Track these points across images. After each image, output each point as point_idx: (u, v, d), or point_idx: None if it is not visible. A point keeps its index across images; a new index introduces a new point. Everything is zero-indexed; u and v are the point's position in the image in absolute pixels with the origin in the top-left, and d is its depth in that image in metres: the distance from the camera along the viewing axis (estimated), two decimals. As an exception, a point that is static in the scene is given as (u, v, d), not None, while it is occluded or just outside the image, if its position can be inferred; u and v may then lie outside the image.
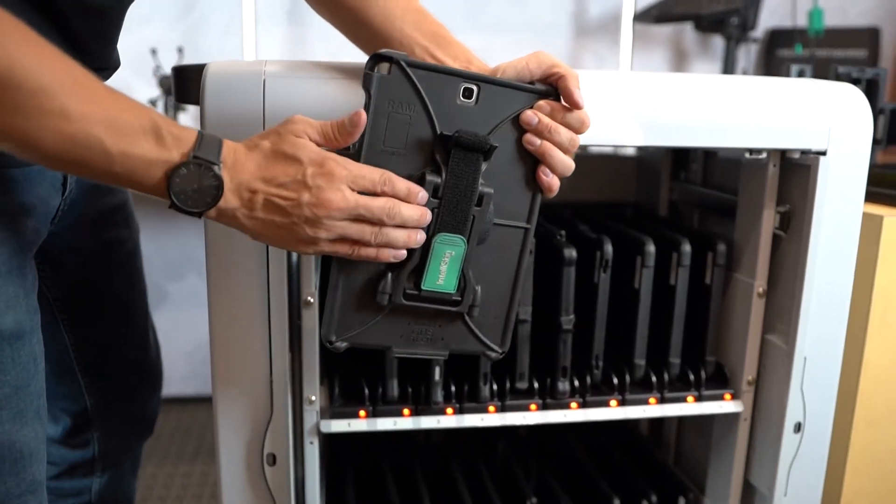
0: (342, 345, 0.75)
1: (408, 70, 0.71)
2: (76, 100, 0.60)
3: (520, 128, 0.74)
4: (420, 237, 0.72)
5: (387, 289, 0.74)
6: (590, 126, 0.75)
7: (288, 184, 0.66)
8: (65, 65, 0.61)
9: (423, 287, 0.74)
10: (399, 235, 0.70)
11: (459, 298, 0.76)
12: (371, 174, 0.69)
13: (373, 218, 0.68)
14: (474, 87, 0.73)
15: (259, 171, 0.67)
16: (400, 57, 0.71)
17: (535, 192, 0.76)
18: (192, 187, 0.64)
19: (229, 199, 0.66)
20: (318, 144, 0.68)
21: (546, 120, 0.73)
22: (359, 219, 0.68)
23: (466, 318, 0.77)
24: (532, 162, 0.75)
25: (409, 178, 0.71)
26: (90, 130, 0.60)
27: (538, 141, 0.73)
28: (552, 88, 0.74)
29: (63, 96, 0.59)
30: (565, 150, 0.74)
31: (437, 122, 0.72)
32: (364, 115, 0.69)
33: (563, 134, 0.73)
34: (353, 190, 0.67)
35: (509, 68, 0.75)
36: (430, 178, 0.72)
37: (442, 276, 0.75)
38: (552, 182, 0.75)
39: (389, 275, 0.74)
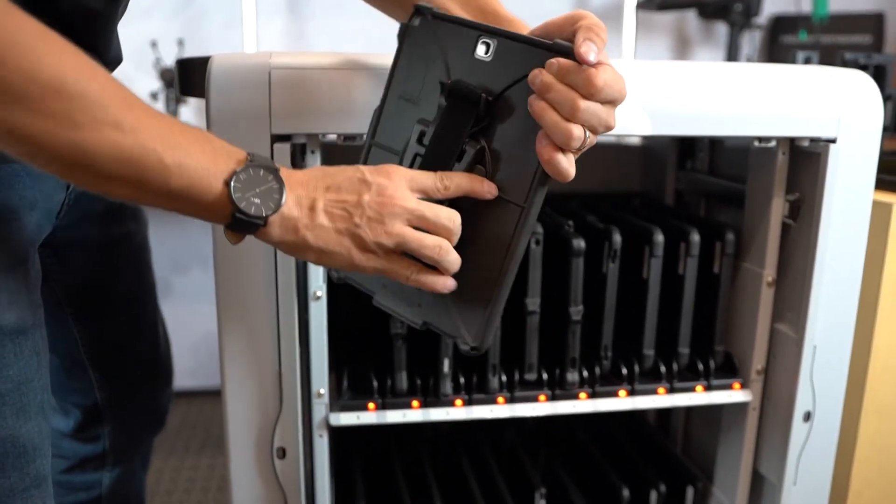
0: (334, 275, 0.75)
1: (430, 21, 0.70)
2: (129, 112, 0.57)
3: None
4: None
5: None
6: (602, 88, 0.61)
7: (348, 187, 0.64)
8: (111, 80, 0.58)
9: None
10: (455, 258, 0.67)
11: None
12: (427, 173, 0.66)
13: (436, 225, 0.65)
14: (490, 42, 0.68)
15: (318, 180, 0.64)
16: (426, 9, 0.70)
17: (538, 168, 0.65)
18: (254, 191, 0.61)
19: (291, 207, 0.63)
20: None
21: (547, 78, 0.62)
22: (421, 225, 0.65)
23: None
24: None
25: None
26: (145, 142, 0.57)
27: (535, 101, 0.63)
28: (570, 45, 0.64)
29: (116, 108, 0.56)
30: (567, 115, 0.62)
31: (450, 73, 0.69)
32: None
33: (562, 94, 0.62)
34: (412, 193, 0.65)
35: (542, 28, 0.70)
36: (419, 123, 0.70)
37: None
38: (548, 155, 0.63)
39: None
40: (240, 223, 0.61)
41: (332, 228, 0.63)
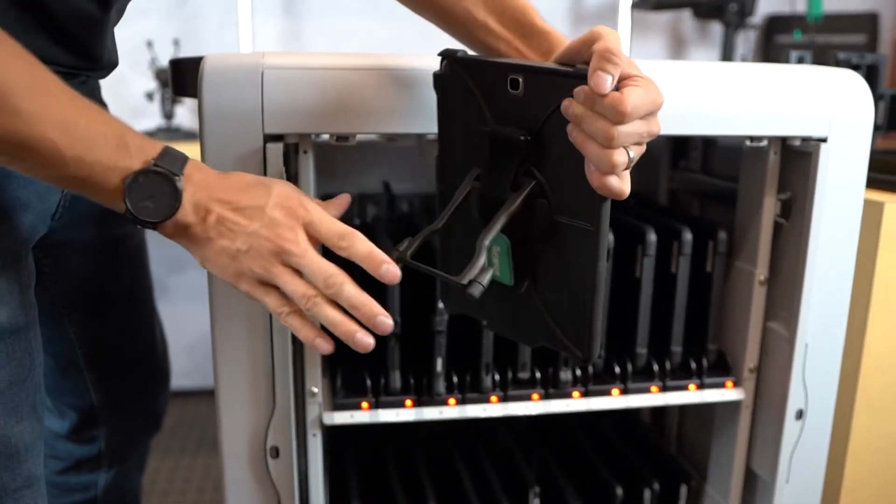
0: (449, 309, 0.80)
1: (456, 66, 0.71)
2: (31, 101, 0.59)
3: None
4: (360, 337, 0.66)
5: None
6: (631, 112, 0.59)
7: (246, 209, 0.65)
8: (28, 66, 0.60)
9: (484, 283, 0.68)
10: (332, 316, 0.66)
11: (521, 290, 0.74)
12: (333, 224, 0.66)
13: (313, 278, 0.65)
14: (519, 78, 0.67)
15: (224, 193, 0.65)
16: (450, 54, 0.71)
17: (593, 191, 0.64)
18: (149, 195, 0.62)
19: (187, 214, 0.64)
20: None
21: (578, 109, 0.61)
22: (301, 270, 0.65)
23: (541, 307, 0.73)
24: None
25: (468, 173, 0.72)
26: (43, 132, 0.59)
27: (575, 132, 0.62)
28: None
29: (17, 96, 0.58)
30: (602, 143, 0.60)
31: (489, 115, 0.70)
32: (347, 197, 0.72)
33: (594, 125, 0.60)
34: (307, 238, 0.65)
35: (565, 50, 0.68)
36: (475, 168, 0.72)
37: (496, 268, 0.73)
38: (599, 181, 0.61)
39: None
40: (135, 220, 0.64)
41: (217, 245, 0.65)
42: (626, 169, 0.62)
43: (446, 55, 0.72)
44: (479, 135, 0.71)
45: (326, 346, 0.68)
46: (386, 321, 0.66)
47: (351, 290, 0.66)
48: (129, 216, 0.63)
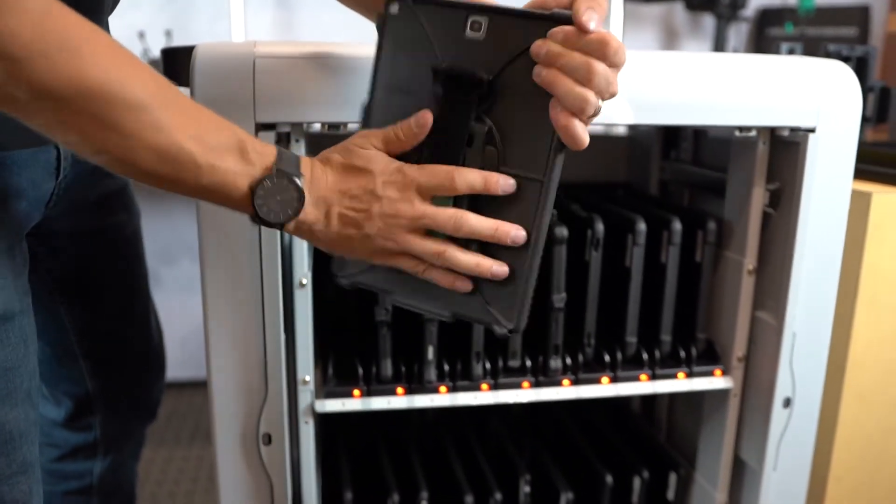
0: (343, 281, 0.74)
1: (411, 6, 0.68)
2: (169, 112, 0.60)
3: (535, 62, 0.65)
4: (496, 269, 0.67)
5: None
6: (616, 50, 0.61)
7: (361, 196, 0.67)
8: (154, 77, 0.61)
9: None
10: (466, 260, 0.67)
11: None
12: (434, 175, 0.67)
13: (441, 229, 0.67)
14: (482, 20, 0.66)
15: (335, 184, 0.67)
16: None
17: (553, 140, 0.65)
18: (276, 199, 0.65)
19: (308, 212, 0.66)
20: (385, 151, 0.68)
21: (554, 47, 0.62)
22: (426, 230, 0.67)
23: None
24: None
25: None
26: (182, 144, 0.60)
27: (545, 71, 0.63)
28: (570, 13, 0.62)
29: (157, 109, 0.59)
30: (582, 80, 0.61)
31: (441, 58, 0.68)
32: (430, 115, 0.67)
33: (576, 58, 0.61)
34: (422, 200, 0.67)
35: (533, 2, 0.68)
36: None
37: None
38: (561, 118, 0.62)
39: None
40: (261, 222, 0.66)
41: (346, 235, 0.68)
42: (589, 120, 0.64)
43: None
44: (424, 77, 0.68)
45: (467, 286, 0.69)
46: (519, 233, 0.67)
47: (475, 220, 0.67)
48: (255, 220, 0.66)
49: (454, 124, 0.67)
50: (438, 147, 0.68)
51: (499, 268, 0.68)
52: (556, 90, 0.62)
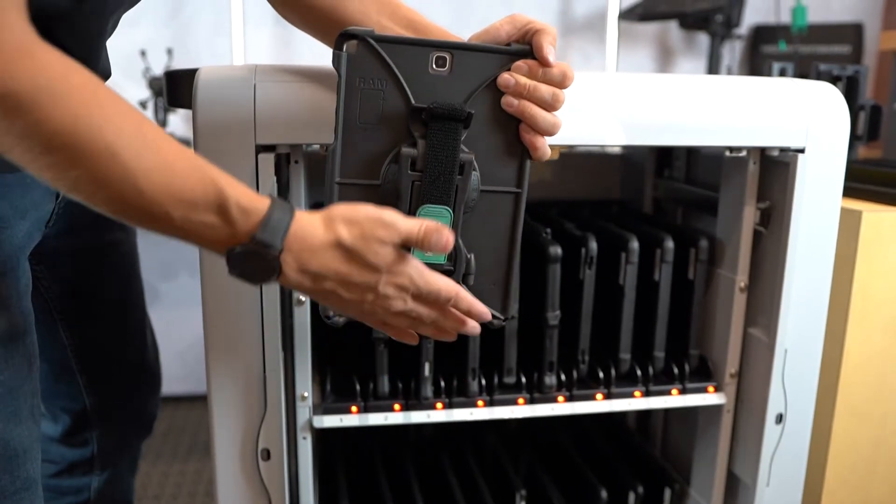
0: (340, 319, 0.77)
1: (375, 45, 0.71)
2: (144, 161, 0.59)
3: (499, 91, 0.73)
4: (471, 327, 0.74)
5: None
6: (573, 79, 0.73)
7: (359, 284, 0.67)
8: (133, 119, 0.60)
9: (470, 282, 0.76)
10: (457, 317, 0.73)
11: (452, 268, 0.74)
12: (438, 285, 0.69)
13: (434, 307, 0.71)
14: (446, 55, 0.72)
15: (335, 267, 0.66)
16: (365, 33, 0.71)
17: (523, 156, 0.75)
18: (250, 266, 0.64)
19: (290, 278, 0.65)
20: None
21: (523, 80, 0.72)
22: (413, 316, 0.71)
23: (463, 286, 0.75)
24: (515, 124, 0.74)
25: (386, 153, 0.73)
26: (154, 196, 0.59)
27: (516, 101, 0.72)
28: (529, 47, 0.72)
29: (130, 158, 0.58)
30: (549, 107, 0.72)
31: (410, 95, 0.72)
32: (452, 236, 0.68)
33: (544, 90, 0.71)
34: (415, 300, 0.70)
35: (483, 34, 0.75)
36: (405, 151, 0.72)
37: None
38: (535, 140, 0.73)
39: None
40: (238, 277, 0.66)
41: (333, 297, 0.68)
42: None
43: (355, 34, 0.71)
44: (395, 113, 0.72)
45: (472, 325, 0.74)
46: (487, 316, 0.74)
47: (465, 297, 0.72)
48: (234, 276, 0.65)
49: (445, 157, 0.72)
50: (434, 181, 0.72)
51: (474, 328, 0.74)
52: (530, 120, 0.72)
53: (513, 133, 0.74)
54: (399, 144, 0.73)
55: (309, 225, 0.65)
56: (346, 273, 0.66)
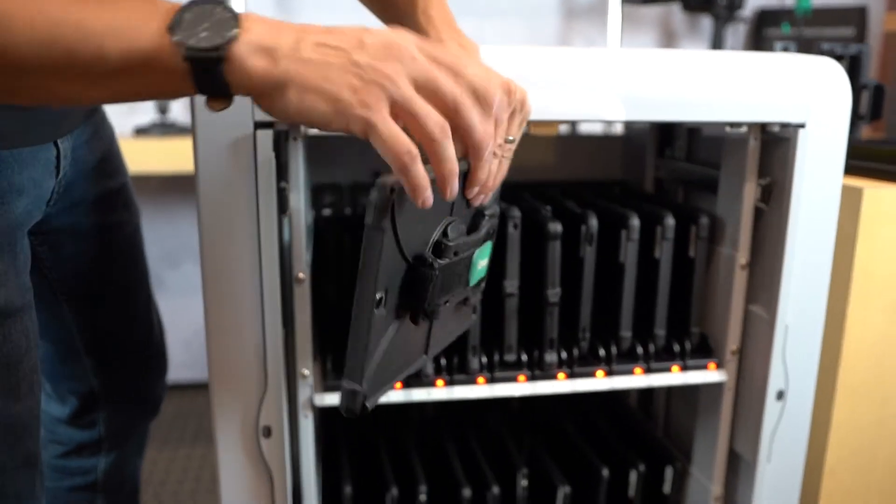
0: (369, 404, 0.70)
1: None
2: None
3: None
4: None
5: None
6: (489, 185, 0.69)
7: (339, 34, 0.56)
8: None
9: (470, 284, 0.78)
10: (452, 152, 0.59)
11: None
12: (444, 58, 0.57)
13: (446, 93, 0.57)
14: None
15: (298, 26, 0.56)
16: (393, 184, 0.61)
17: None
18: (202, 25, 0.52)
19: (262, 35, 0.53)
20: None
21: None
22: (428, 89, 0.57)
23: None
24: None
25: None
26: (64, 16, 0.51)
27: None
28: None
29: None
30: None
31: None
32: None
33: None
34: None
35: None
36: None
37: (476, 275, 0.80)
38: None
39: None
40: (198, 66, 0.52)
41: (323, 62, 0.54)
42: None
43: (391, 186, 0.60)
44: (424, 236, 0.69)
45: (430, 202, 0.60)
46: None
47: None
48: (191, 55, 0.52)
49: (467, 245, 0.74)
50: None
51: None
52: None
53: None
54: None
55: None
56: (322, 29, 0.56)
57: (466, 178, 0.66)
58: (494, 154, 0.65)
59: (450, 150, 0.58)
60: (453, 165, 0.59)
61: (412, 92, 0.56)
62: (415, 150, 0.56)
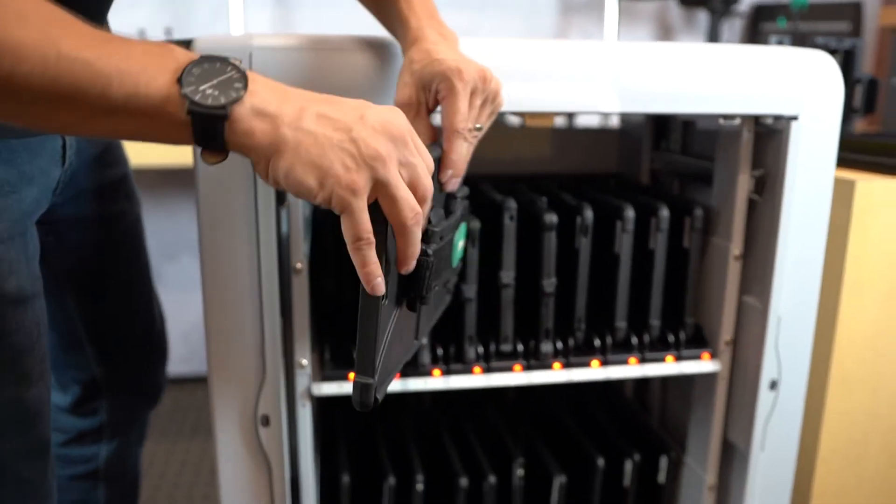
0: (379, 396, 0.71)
1: None
2: (56, 28, 0.52)
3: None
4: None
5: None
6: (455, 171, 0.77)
7: (342, 108, 0.58)
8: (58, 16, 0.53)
9: (453, 265, 0.82)
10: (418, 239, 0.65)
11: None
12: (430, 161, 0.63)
13: (410, 202, 0.61)
14: None
15: (304, 94, 0.58)
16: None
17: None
18: (211, 82, 0.53)
19: (265, 100, 0.55)
20: None
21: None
22: (412, 174, 0.61)
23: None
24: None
25: None
26: (77, 51, 0.51)
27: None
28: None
29: (47, 26, 0.51)
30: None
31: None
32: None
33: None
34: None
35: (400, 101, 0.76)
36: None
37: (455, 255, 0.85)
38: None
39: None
40: (200, 121, 0.53)
41: (324, 136, 0.56)
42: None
43: None
44: None
45: (383, 288, 0.62)
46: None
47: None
48: (195, 111, 0.53)
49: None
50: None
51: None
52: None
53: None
54: None
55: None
56: (325, 100, 0.58)
57: (440, 162, 0.73)
58: (465, 139, 0.73)
59: (417, 235, 0.63)
60: (416, 249, 0.64)
61: (398, 178, 0.59)
62: (372, 239, 0.59)
